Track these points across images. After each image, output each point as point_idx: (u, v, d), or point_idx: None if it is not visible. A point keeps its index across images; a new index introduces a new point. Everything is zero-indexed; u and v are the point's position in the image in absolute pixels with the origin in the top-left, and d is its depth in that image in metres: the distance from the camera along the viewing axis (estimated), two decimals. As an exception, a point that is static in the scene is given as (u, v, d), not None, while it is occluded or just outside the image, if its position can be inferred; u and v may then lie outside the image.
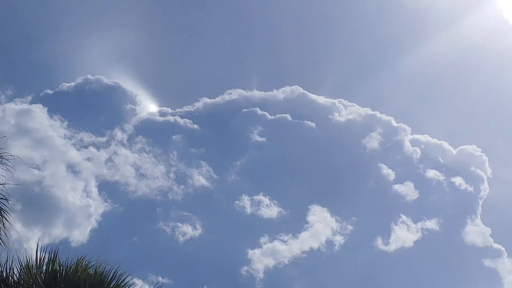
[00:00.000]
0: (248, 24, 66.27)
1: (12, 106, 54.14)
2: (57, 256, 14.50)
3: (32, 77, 62.25)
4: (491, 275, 50.23)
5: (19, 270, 14.55)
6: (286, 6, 64.95)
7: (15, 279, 14.44)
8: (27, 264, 14.40)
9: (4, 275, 14.26)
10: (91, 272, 14.42)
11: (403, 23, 64.58)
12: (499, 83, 61.12)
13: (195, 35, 64.94)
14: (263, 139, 55.35)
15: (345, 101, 57.29)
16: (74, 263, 14.44)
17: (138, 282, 14.97)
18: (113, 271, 14.54)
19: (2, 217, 14.24)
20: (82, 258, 14.45)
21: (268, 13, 65.23)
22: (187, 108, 57.50)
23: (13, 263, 14.50)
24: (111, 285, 14.54)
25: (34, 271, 14.43)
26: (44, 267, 14.50)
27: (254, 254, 49.76)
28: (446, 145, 57.33)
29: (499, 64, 61.62)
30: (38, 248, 14.37)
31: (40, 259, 14.49)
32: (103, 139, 54.61)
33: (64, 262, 14.38)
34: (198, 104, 57.88)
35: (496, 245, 51.10)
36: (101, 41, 61.88)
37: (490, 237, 51.72)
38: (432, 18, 62.14)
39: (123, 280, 14.62)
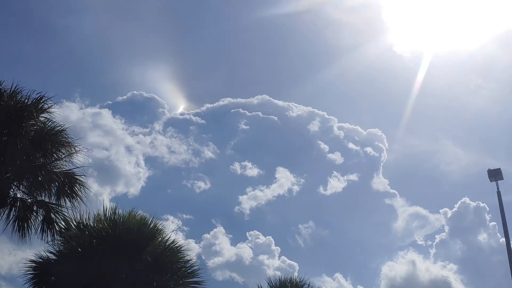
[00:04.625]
0: (234, 57, 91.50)
1: (89, 110, 73.59)
2: (117, 209, 20.05)
3: (100, 93, 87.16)
4: (389, 209, 71.74)
5: (93, 219, 20.47)
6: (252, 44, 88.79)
7: (91, 224, 20.42)
8: (98, 214, 20.04)
9: (84, 222, 20.40)
10: (138, 218, 20.09)
11: (323, 49, 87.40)
12: (389, 92, 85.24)
13: (200, 64, 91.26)
14: (247, 127, 75.22)
15: (295, 104, 77.58)
16: (127, 213, 20.03)
17: (170, 217, 21.20)
18: (151, 217, 20.03)
19: (82, 185, 20.42)
20: (133, 210, 20.04)
21: (243, 47, 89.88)
22: (197, 110, 78.63)
23: (90, 213, 20.15)
24: (151, 226, 19.89)
25: (102, 218, 20.47)
26: (109, 216, 20.38)
27: (243, 198, 69.45)
28: (359, 128, 77.84)
29: (389, 81, 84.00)
30: (106, 201, 20.38)
31: (105, 210, 20.00)
32: (147, 130, 74.72)
33: (122, 212, 19.92)
34: (203, 108, 79.16)
35: (392, 190, 71.98)
36: (142, 68, 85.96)
37: (388, 185, 72.17)
38: (341, 43, 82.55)
39: (158, 222, 20.07)
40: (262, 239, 62.41)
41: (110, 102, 75.96)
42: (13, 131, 19.69)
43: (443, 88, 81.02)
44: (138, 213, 20.37)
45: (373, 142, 75.17)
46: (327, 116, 76.92)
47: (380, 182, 72.63)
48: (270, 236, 62.79)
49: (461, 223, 63.62)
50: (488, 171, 27.32)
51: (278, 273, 29.25)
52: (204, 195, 70.27)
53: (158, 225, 20.49)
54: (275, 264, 59.72)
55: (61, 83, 79.61)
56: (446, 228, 64.89)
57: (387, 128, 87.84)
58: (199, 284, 20.67)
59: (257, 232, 63.28)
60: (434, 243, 65.23)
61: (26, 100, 20.05)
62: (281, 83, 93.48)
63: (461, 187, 79.39)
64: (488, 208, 63.17)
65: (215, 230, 63.77)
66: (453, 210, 64.99)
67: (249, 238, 62.85)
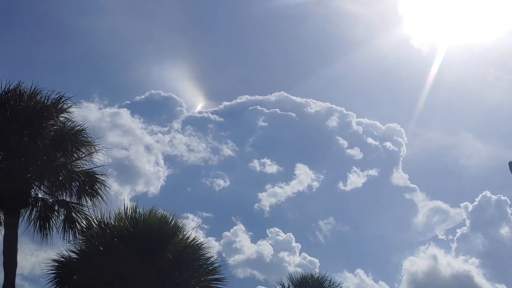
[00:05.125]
0: (249, 53, 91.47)
1: (108, 110, 73.87)
2: (137, 207, 20.01)
3: (118, 93, 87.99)
4: (410, 203, 71.27)
5: (113, 217, 20.44)
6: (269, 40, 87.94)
7: (112, 222, 20.60)
8: (119, 213, 20.02)
9: (106, 221, 20.48)
10: (159, 216, 20.12)
11: (338, 42, 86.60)
12: (406, 86, 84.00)
13: (216, 62, 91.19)
14: (265, 124, 75.36)
15: (312, 100, 77.50)
16: (148, 211, 20.01)
17: (190, 215, 21.16)
18: (171, 215, 19.94)
19: (103, 184, 20.53)
20: (153, 208, 19.96)
21: (258, 43, 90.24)
22: (215, 108, 78.76)
23: (111, 212, 20.18)
24: (171, 224, 19.87)
25: (123, 217, 20.55)
26: (129, 215, 20.40)
27: (262, 196, 69.34)
28: (378, 123, 77.47)
29: (406, 74, 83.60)
30: (126, 200, 20.38)
31: (126, 209, 20.00)
32: (166, 129, 74.80)
33: (142, 210, 19.90)
34: (221, 106, 79.32)
35: (412, 185, 71.39)
36: (159, 67, 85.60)
37: (408, 180, 71.56)
38: (355, 36, 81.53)
39: (178, 220, 20.05)
40: (282, 236, 62.30)
41: (128, 102, 76.41)
42: (34, 131, 19.81)
43: (460, 81, 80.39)
44: (159, 211, 20.27)
45: (392, 136, 74.91)
46: (345, 112, 76.93)
47: (400, 177, 72.32)
48: (291, 233, 62.59)
49: (482, 217, 63.14)
50: (509, 163, 26.93)
51: (299, 270, 29.07)
52: (223, 192, 70.47)
53: (178, 223, 20.38)
54: (295, 261, 59.67)
55: (79, 84, 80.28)
56: (467, 222, 64.49)
57: (405, 123, 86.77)
58: (220, 281, 20.59)
59: (277, 229, 63.12)
60: (455, 238, 64.76)
61: (46, 101, 20.21)
62: (298, 78, 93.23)
63: (482, 180, 78.69)
64: (509, 202, 62.68)
65: (235, 227, 63.74)
66: (474, 204, 64.56)
67: (269, 235, 62.75)
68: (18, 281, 19.73)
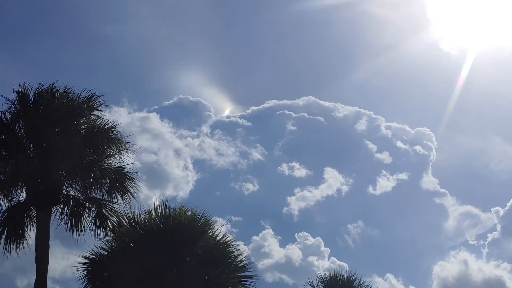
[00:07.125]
0: (278, 58, 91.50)
1: (137, 115, 74.65)
2: (167, 205, 20.04)
3: (147, 98, 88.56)
4: (440, 208, 70.69)
5: (144, 215, 20.66)
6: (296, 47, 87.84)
7: (142, 220, 20.65)
8: (149, 210, 20.04)
9: (136, 218, 20.60)
10: (188, 213, 20.14)
11: (366, 45, 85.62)
12: (435, 90, 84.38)
13: (244, 66, 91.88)
14: (294, 128, 75.53)
15: (341, 104, 77.53)
16: (177, 208, 20.15)
17: (219, 219, 21.09)
18: (201, 212, 19.98)
19: (134, 184, 20.68)
20: (183, 206, 19.98)
21: (288, 49, 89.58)
22: (243, 113, 79.17)
23: (141, 211, 20.30)
24: (201, 221, 19.94)
25: (153, 214, 20.67)
26: (160, 212, 20.49)
27: (291, 200, 69.05)
28: (407, 127, 76.87)
29: (435, 78, 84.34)
30: (156, 202, 20.28)
31: (156, 207, 20.01)
32: (195, 133, 75.43)
33: (172, 208, 20.07)
34: (249, 110, 79.68)
35: (442, 189, 70.77)
36: (188, 72, 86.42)
37: (438, 184, 71.15)
38: (383, 40, 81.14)
39: (208, 218, 20.09)
40: (311, 240, 61.97)
41: (157, 106, 76.76)
42: (66, 129, 20.03)
43: (490, 84, 79.20)
44: (189, 209, 20.30)
45: (421, 140, 74.12)
46: (374, 116, 76.41)
47: (429, 181, 71.59)
48: (319, 237, 62.20)
49: (513, 222, 62.24)
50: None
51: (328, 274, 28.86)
52: (252, 196, 70.21)
53: (208, 220, 20.37)
54: (324, 265, 59.26)
55: (109, 88, 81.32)
56: (498, 227, 63.66)
57: (435, 127, 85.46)
58: (250, 278, 20.53)
59: (306, 233, 62.74)
60: (486, 242, 63.88)
61: (77, 99, 20.41)
62: (325, 83, 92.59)
63: (513, 185, 77.64)
64: (541, 206, 61.72)
65: (264, 232, 63.31)
66: (505, 208, 63.70)
67: (298, 240, 62.47)
68: (49, 284, 19.98)
